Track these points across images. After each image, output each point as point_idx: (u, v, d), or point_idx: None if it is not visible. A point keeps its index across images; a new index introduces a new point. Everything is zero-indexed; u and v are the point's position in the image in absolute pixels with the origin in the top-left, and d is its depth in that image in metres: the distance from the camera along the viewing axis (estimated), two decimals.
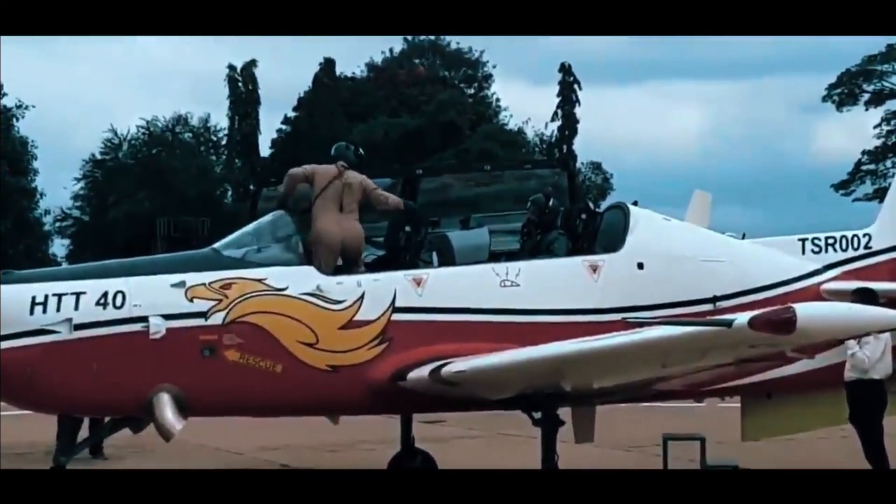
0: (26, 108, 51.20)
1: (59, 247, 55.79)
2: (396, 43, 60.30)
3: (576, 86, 59.66)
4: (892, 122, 56.62)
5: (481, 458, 14.46)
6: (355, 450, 15.45)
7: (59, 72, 73.87)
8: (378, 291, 10.20)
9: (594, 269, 10.69)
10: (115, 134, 56.37)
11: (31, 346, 9.62)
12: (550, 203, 11.42)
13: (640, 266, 10.76)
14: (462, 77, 61.77)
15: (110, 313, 9.75)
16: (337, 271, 10.39)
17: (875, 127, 56.73)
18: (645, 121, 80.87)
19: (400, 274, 10.41)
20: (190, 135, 57.99)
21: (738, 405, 11.92)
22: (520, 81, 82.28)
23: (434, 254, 11.03)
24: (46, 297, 9.71)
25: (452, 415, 14.44)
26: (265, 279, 10.06)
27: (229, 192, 57.29)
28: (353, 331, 10.11)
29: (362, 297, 10.15)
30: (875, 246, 11.80)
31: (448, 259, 10.93)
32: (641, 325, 9.42)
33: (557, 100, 59.73)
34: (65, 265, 41.51)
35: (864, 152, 56.72)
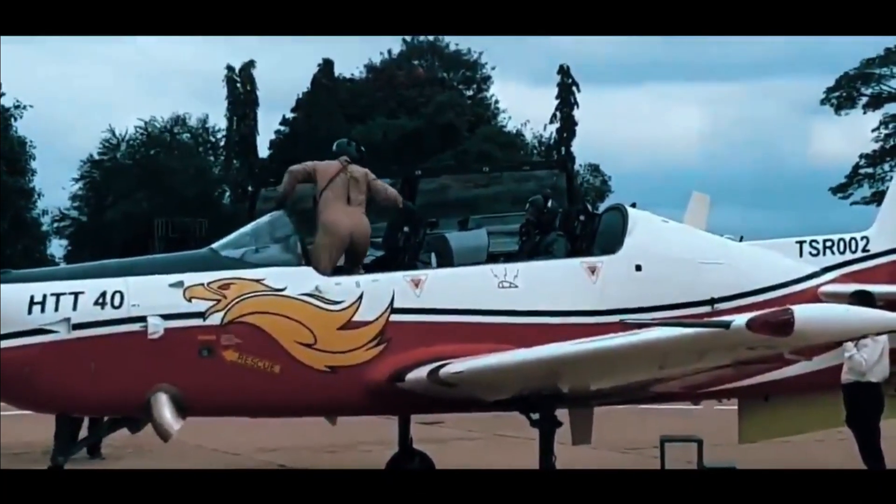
0: (24, 108, 51.25)
1: (56, 247, 55.87)
2: (395, 44, 60.41)
3: (574, 88, 59.70)
4: (890, 126, 56.65)
5: (479, 459, 14.45)
6: (353, 451, 15.45)
7: (57, 72, 73.89)
8: (376, 292, 10.20)
9: (592, 270, 10.70)
10: (114, 134, 56.46)
11: (30, 345, 9.62)
12: (549, 204, 11.44)
13: (639, 268, 10.78)
14: (461, 79, 61.78)
15: (108, 313, 9.75)
16: (336, 272, 10.40)
17: (873, 130, 56.85)
18: (643, 123, 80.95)
19: (398, 275, 10.41)
20: (188, 135, 58.00)
21: (736, 407, 11.94)
22: (518, 83, 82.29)
23: (432, 255, 11.04)
24: (45, 296, 9.71)
25: (450, 416, 14.44)
26: (263, 279, 10.07)
27: (227, 193, 57.27)
28: (352, 331, 10.11)
29: (361, 297, 10.16)
30: (873, 249, 11.83)
31: (446, 260, 10.94)
32: (639, 326, 9.43)
33: (556, 102, 59.79)
34: (62, 265, 41.48)
35: (861, 156, 56.82)
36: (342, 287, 10.18)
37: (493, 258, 11.18)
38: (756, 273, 11.21)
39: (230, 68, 57.39)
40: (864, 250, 11.81)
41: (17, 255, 44.94)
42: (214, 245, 10.60)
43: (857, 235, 11.86)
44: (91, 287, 9.81)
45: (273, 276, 10.09)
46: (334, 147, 10.90)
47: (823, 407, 11.61)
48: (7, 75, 51.16)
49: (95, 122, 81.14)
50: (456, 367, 9.83)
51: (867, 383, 11.38)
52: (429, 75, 59.72)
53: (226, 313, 9.89)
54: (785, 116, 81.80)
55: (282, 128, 58.11)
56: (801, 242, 11.75)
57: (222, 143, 58.44)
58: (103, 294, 9.78)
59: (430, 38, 59.72)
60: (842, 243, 11.79)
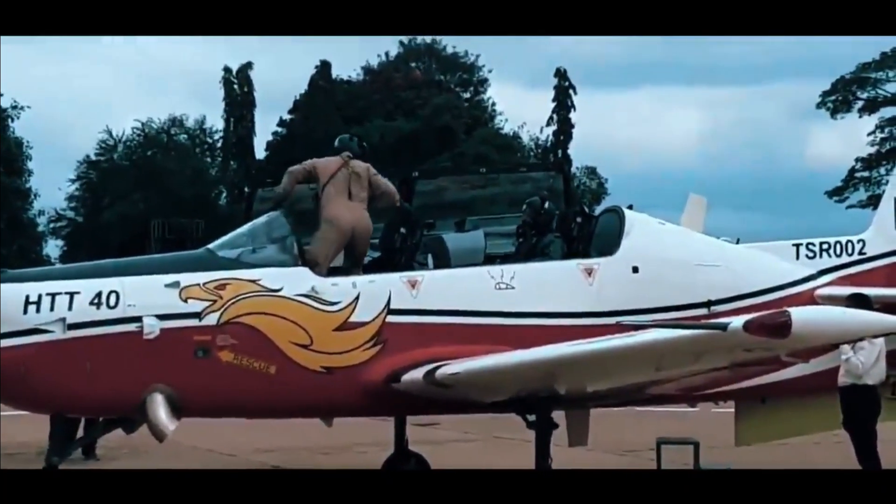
0: (21, 108, 51.23)
1: (53, 248, 55.82)
2: (392, 46, 60.42)
3: (571, 90, 59.70)
4: (886, 130, 56.73)
5: (475, 460, 14.44)
6: (349, 452, 15.44)
7: (54, 72, 73.82)
8: (373, 293, 10.19)
9: (589, 272, 10.70)
10: (111, 135, 56.40)
11: (25, 345, 9.59)
12: (546, 206, 11.44)
13: (635, 270, 10.78)
14: (458, 81, 61.78)
15: (104, 313, 9.73)
16: (334, 272, 10.39)
17: (869, 134, 56.92)
18: (640, 126, 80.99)
19: (395, 276, 10.41)
20: (185, 137, 57.98)
21: (732, 410, 11.94)
22: (515, 86, 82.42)
23: (429, 256, 11.04)
24: (40, 296, 9.68)
25: (447, 417, 14.42)
26: (260, 280, 10.05)
27: (224, 195, 57.25)
28: (348, 332, 10.10)
29: (357, 298, 10.14)
30: (869, 252, 11.84)
31: (443, 261, 10.94)
32: (636, 328, 9.42)
33: (553, 104, 59.78)
34: (58, 265, 41.45)
35: (858, 159, 56.89)
36: (339, 288, 10.17)
37: (489, 260, 11.18)
38: (753, 275, 11.21)
39: (227, 70, 57.40)
40: (860, 253, 11.83)
41: (13, 256, 44.91)
42: (211, 245, 10.59)
43: (854, 238, 11.88)
44: (87, 287, 9.79)
45: (269, 277, 10.08)
46: (336, 143, 10.92)
47: (820, 409, 11.61)
48: (3, 76, 51.14)
49: (92, 123, 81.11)
50: (452, 368, 9.83)
51: (864, 386, 11.39)
52: (426, 77, 59.71)
53: (222, 314, 9.87)
54: (781, 120, 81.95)
55: (279, 129, 58.10)
56: (797, 245, 11.76)
57: (219, 145, 58.41)
58: (99, 294, 9.76)
59: (428, 40, 59.77)
60: (838, 246, 11.80)
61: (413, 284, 10.33)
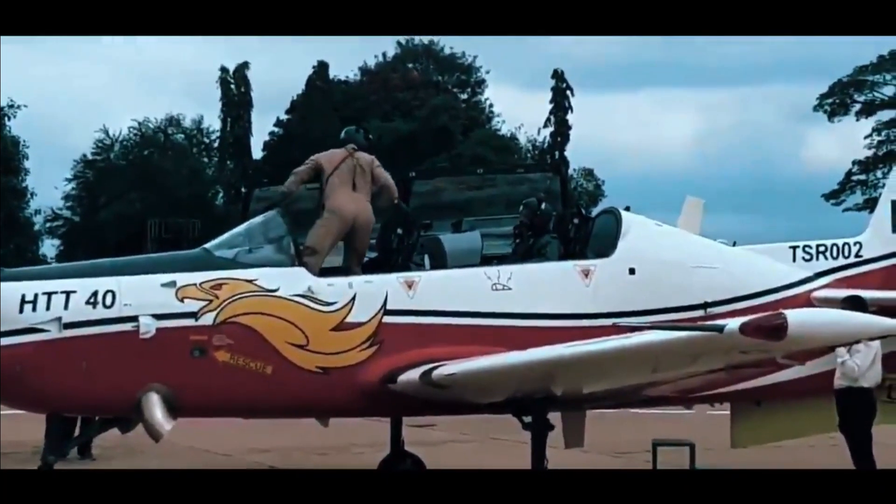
0: (18, 107, 51.19)
1: (49, 247, 55.77)
2: (390, 47, 60.42)
3: (568, 92, 59.73)
4: (883, 133, 56.78)
5: (471, 461, 14.43)
6: (345, 453, 15.42)
7: (51, 72, 73.76)
8: (370, 293, 10.19)
9: (586, 273, 10.70)
10: (107, 134, 56.40)
11: (21, 344, 9.58)
12: (543, 207, 11.43)
13: (632, 271, 10.78)
14: (455, 82, 61.79)
15: (100, 312, 9.72)
16: (330, 273, 10.38)
17: (866, 137, 56.97)
18: (637, 128, 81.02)
19: (392, 276, 10.40)
20: (182, 136, 57.94)
21: (728, 412, 11.94)
22: (512, 87, 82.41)
23: (426, 257, 11.03)
24: (36, 295, 9.67)
25: (443, 418, 14.42)
26: (256, 280, 10.05)
27: (221, 194, 57.22)
28: (344, 333, 10.09)
29: (354, 298, 10.14)
30: (866, 254, 11.84)
31: (440, 262, 10.93)
32: (633, 329, 9.42)
33: (550, 106, 59.80)
34: (54, 264, 41.42)
35: (854, 162, 56.94)
36: (335, 288, 10.16)
37: (486, 260, 11.17)
38: (749, 277, 11.22)
39: (224, 70, 57.35)
40: (857, 256, 11.83)
41: (10, 255, 44.88)
42: (207, 245, 10.58)
43: (851, 241, 11.88)
44: (83, 286, 9.78)
45: (266, 277, 10.07)
46: (342, 134, 11.00)
47: (816, 412, 11.62)
48: (1, 75, 51.07)
49: (89, 122, 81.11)
50: (448, 369, 9.82)
51: (860, 388, 11.39)
52: (423, 78, 59.71)
53: (218, 313, 9.86)
54: (778, 122, 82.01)
55: (276, 129, 58.09)
56: (794, 247, 11.77)
57: (216, 145, 58.38)
58: (95, 293, 9.75)
59: (425, 41, 59.79)
60: (835, 248, 11.81)
61: (410, 285, 10.33)
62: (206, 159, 58.83)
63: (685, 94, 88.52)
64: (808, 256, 11.71)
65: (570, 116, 59.71)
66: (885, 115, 56.62)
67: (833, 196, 56.83)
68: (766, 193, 73.56)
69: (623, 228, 10.91)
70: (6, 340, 9.55)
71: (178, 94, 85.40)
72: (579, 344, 9.50)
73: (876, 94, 56.74)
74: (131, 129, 56.39)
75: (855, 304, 10.69)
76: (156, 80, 77.31)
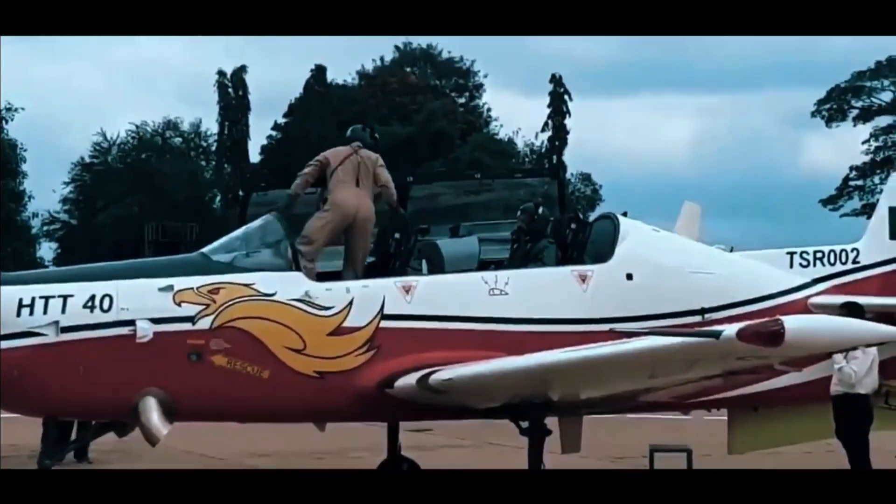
0: (16, 110, 51.17)
1: (46, 250, 55.73)
2: (388, 51, 60.45)
3: (566, 97, 59.75)
4: (881, 138, 56.87)
5: (468, 466, 14.41)
6: (342, 457, 15.41)
7: (49, 74, 73.74)
8: (367, 298, 10.18)
9: (583, 278, 10.70)
10: (105, 138, 56.37)
11: (18, 348, 9.57)
12: (540, 212, 11.44)
13: (629, 277, 10.78)
14: (453, 86, 61.82)
15: (97, 316, 9.71)
16: (326, 278, 10.38)
17: (863, 143, 57.06)
18: (635, 132, 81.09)
19: (389, 281, 10.40)
20: (180, 140, 57.94)
21: (725, 417, 11.94)
22: (511, 91, 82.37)
23: (423, 261, 11.03)
24: (34, 299, 9.67)
25: (440, 423, 14.42)
26: (254, 284, 10.04)
27: (218, 198, 57.20)
28: (342, 337, 10.09)
29: (351, 303, 10.14)
30: (863, 260, 11.85)
31: (437, 267, 10.93)
32: (629, 335, 9.42)
33: (548, 110, 59.84)
34: (52, 268, 41.43)
35: (852, 168, 57.01)
36: (332, 293, 10.16)
37: (483, 265, 11.18)
38: (746, 283, 11.22)
39: (222, 73, 57.36)
40: (854, 262, 11.84)
41: (7, 258, 44.84)
42: (205, 249, 10.58)
43: (848, 247, 11.89)
44: (80, 290, 9.78)
45: (263, 281, 10.07)
46: (349, 132, 11.03)
47: (813, 418, 11.62)
48: None
49: (87, 125, 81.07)
50: (445, 374, 9.82)
51: (856, 395, 11.40)
52: (421, 82, 59.74)
53: (215, 318, 9.86)
54: (776, 128, 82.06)
55: (274, 133, 58.10)
56: (791, 253, 11.78)
57: (214, 148, 58.37)
58: (92, 297, 9.75)
59: (423, 45, 59.83)
60: (832, 255, 11.81)
61: (407, 290, 10.33)
62: (203, 163, 58.82)
63: (683, 99, 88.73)
64: (805, 263, 11.72)
65: (567, 121, 59.79)
66: (883, 120, 56.77)
67: (830, 202, 56.93)
68: (764, 199, 73.61)
69: (620, 234, 10.91)
70: (4, 344, 9.55)
71: (175, 98, 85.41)
72: (576, 349, 9.50)
73: (873, 99, 56.85)
74: (129, 133, 56.46)
75: (852, 310, 10.71)
76: (153, 84, 77.38)
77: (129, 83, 76.87)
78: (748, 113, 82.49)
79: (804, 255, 11.76)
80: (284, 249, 10.38)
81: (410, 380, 9.94)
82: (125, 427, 10.32)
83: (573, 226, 11.45)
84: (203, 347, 9.81)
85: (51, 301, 9.68)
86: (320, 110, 54.74)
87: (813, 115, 57.21)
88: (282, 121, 57.91)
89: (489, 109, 61.48)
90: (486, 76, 62.03)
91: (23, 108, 51.44)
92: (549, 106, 59.78)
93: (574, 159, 60.96)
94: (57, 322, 9.64)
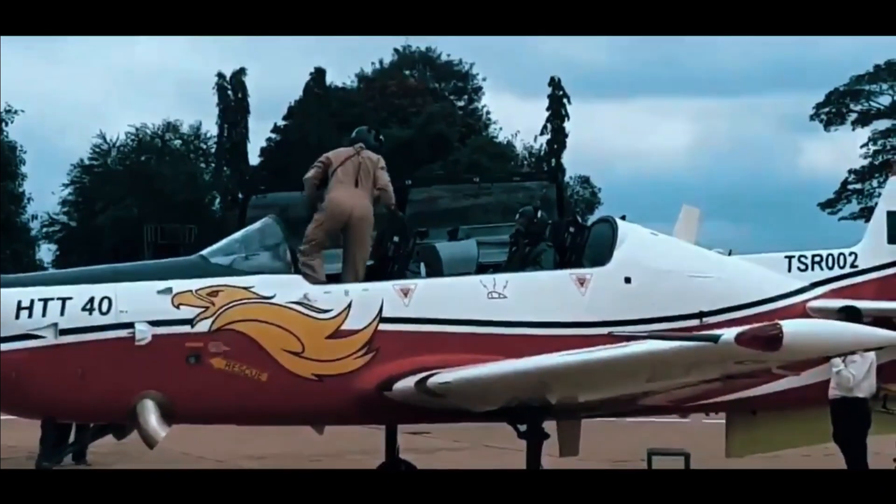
0: (15, 112, 51.16)
1: (45, 252, 55.72)
2: (387, 54, 60.47)
3: (565, 100, 59.78)
4: (879, 142, 56.89)
5: (466, 469, 14.42)
6: (340, 460, 15.41)
7: (48, 76, 73.76)
8: (365, 301, 10.19)
9: (581, 282, 10.71)
10: (104, 140, 56.38)
11: (17, 350, 9.58)
12: (539, 215, 11.44)
13: (628, 280, 10.79)
14: (452, 89, 61.84)
15: (96, 319, 9.73)
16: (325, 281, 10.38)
17: (862, 146, 57.08)
18: (634, 136, 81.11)
19: (388, 284, 10.41)
20: (179, 142, 57.95)
21: (723, 421, 11.94)
22: (509, 94, 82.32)
23: (422, 264, 11.04)
24: (32, 301, 9.68)
25: (438, 426, 14.42)
26: (252, 287, 10.05)
27: (217, 200, 57.20)
28: (340, 340, 10.10)
29: (349, 306, 10.15)
30: (861, 264, 11.86)
31: (436, 270, 10.94)
32: (628, 339, 9.43)
33: (547, 113, 59.87)
34: (51, 270, 41.48)
35: (850, 171, 57.03)
36: (331, 296, 10.17)
37: (482, 269, 11.18)
38: (745, 287, 11.22)
39: (221, 76, 57.37)
40: (852, 266, 11.85)
41: (6, 260, 44.83)
42: (204, 252, 10.59)
43: (846, 251, 11.90)
44: (79, 292, 9.79)
45: (262, 284, 10.08)
46: (353, 133, 11.04)
47: (811, 422, 11.63)
48: None
49: (86, 127, 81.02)
50: (444, 377, 9.83)
51: (854, 399, 11.41)
52: (420, 85, 59.76)
53: (214, 320, 9.87)
54: (774, 131, 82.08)
55: (273, 135, 58.11)
56: (789, 257, 11.78)
57: (213, 150, 58.38)
58: (91, 300, 9.76)
59: (422, 48, 59.87)
60: (830, 259, 11.82)
61: (405, 293, 10.33)
62: (203, 165, 58.81)
63: (681, 102, 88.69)
64: (803, 267, 11.72)
65: (566, 124, 59.81)
66: (881, 124, 56.76)
67: (829, 205, 56.94)
68: (763, 202, 73.62)
69: (619, 237, 10.92)
70: (3, 346, 9.56)
71: (175, 100, 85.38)
72: (574, 353, 9.51)
73: (872, 103, 56.87)
74: (128, 135, 56.42)
75: (850, 314, 10.71)
76: (153, 86, 77.38)
77: (128, 85, 77.01)
78: (747, 116, 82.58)
79: (802, 259, 11.76)
80: (283, 252, 10.39)
81: (409, 383, 9.94)
82: (123, 429, 10.33)
83: (572, 229, 11.46)
84: (202, 350, 9.82)
85: (50, 303, 9.70)
86: (319, 113, 54.74)
87: (811, 118, 57.30)
88: (281, 123, 57.94)
89: (488, 112, 61.58)
90: (485, 79, 62.14)
91: (22, 111, 51.47)
92: (547, 109, 59.80)
93: (573, 162, 60.86)
94: (56, 324, 9.66)
